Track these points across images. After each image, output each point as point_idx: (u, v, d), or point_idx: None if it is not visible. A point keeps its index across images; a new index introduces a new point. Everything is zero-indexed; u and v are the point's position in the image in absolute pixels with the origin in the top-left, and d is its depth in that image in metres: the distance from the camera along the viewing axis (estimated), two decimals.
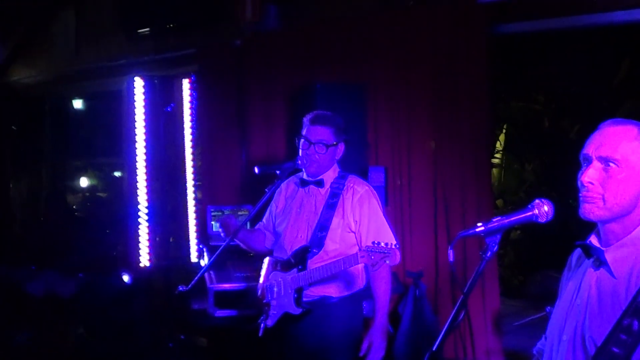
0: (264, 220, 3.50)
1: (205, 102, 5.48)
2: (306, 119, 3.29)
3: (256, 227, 3.55)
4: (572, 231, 8.09)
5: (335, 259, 3.03)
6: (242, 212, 4.72)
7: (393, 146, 5.18)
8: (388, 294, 3.20)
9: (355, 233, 3.18)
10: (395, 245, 2.83)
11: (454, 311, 1.91)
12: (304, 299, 3.16)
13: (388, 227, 3.20)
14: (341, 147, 3.28)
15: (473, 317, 4.86)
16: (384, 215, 3.23)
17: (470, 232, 1.92)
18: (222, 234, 3.40)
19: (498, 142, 8.80)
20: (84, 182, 16.16)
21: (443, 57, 5.04)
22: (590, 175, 1.75)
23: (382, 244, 2.80)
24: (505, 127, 9.00)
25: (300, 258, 3.15)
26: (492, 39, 5.01)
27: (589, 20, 4.89)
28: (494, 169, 8.53)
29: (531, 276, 8.43)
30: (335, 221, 3.16)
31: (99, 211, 13.30)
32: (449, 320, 1.92)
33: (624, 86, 7.98)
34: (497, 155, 8.79)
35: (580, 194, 1.78)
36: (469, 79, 4.98)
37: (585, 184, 1.75)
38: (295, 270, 3.14)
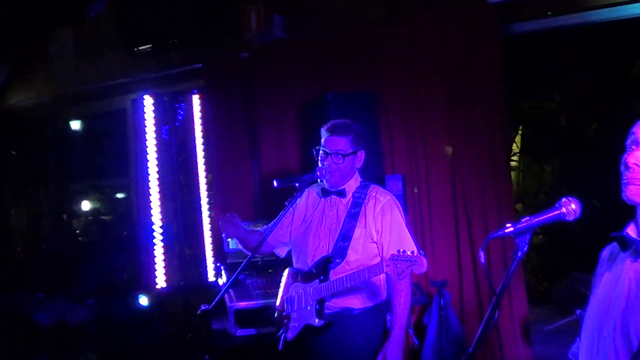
0: (274, 227, 3.43)
1: (213, 118, 5.60)
2: (323, 130, 3.38)
3: (259, 229, 3.66)
4: (594, 233, 8.17)
5: (358, 269, 3.09)
6: (258, 227, 4.81)
7: (409, 153, 5.29)
8: (407, 307, 3.24)
9: (377, 243, 3.26)
10: (421, 253, 2.89)
11: (489, 312, 2.01)
12: (326, 311, 3.22)
13: (410, 237, 3.28)
14: (361, 155, 3.37)
15: (501, 325, 4.93)
16: (406, 224, 3.33)
17: (500, 233, 2.02)
18: (223, 231, 3.55)
19: (514, 144, 8.88)
20: (86, 205, 16.29)
21: (455, 60, 5.16)
22: (636, 157, 1.81)
23: (408, 252, 2.86)
24: (520, 128, 9.07)
25: (322, 269, 3.23)
26: (504, 39, 5.13)
27: (602, 16, 5.00)
28: (511, 172, 8.62)
29: (556, 281, 8.48)
30: (358, 231, 3.23)
31: (104, 235, 13.43)
32: (484, 321, 2.02)
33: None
34: (514, 158, 8.87)
35: (623, 177, 1.84)
36: (483, 80, 5.10)
37: (631, 166, 1.81)
38: (317, 281, 3.21)
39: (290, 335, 3.30)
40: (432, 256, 5.25)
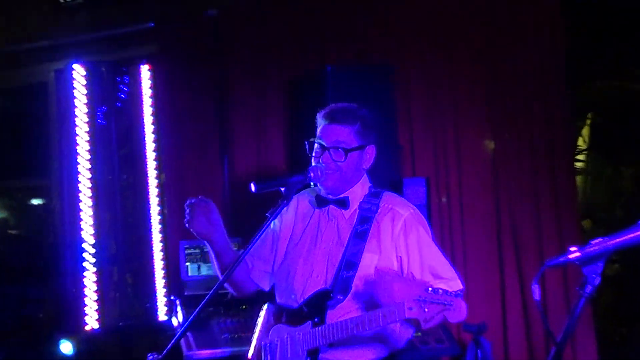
0: (253, 250, 3.35)
1: (168, 97, 5.61)
2: (320, 116, 3.35)
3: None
4: None
5: (368, 312, 3.05)
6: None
7: (436, 150, 5.34)
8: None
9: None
10: (460, 293, 2.87)
11: None
12: None
13: (449, 264, 3.27)
14: (370, 151, 3.33)
15: None
16: (438, 247, 3.31)
17: (562, 259, 2.07)
18: (189, 223, 3.41)
19: (580, 138, 8.87)
20: None
21: (500, 28, 5.23)
22: None
23: (441, 291, 2.81)
24: (589, 116, 9.07)
25: (317, 307, 3.19)
26: (568, 1, 5.19)
27: None
28: (576, 177, 8.63)
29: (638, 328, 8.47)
30: (368, 256, 3.19)
31: (13, 257, 13.36)
32: None
33: None
34: (580, 157, 8.87)
35: None
36: (537, 55, 5.16)
37: None
38: (309, 324, 3.17)
39: None
40: (466, 290, 5.29)
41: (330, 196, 3.33)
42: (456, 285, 3.17)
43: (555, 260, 2.09)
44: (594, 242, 2.06)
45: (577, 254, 2.05)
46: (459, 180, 5.32)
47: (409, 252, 3.21)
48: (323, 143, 3.27)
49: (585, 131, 9.01)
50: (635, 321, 8.42)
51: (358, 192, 3.33)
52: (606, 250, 2.05)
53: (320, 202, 3.37)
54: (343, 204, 3.32)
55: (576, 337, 5.07)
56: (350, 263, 3.21)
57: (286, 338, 3.25)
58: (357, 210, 3.30)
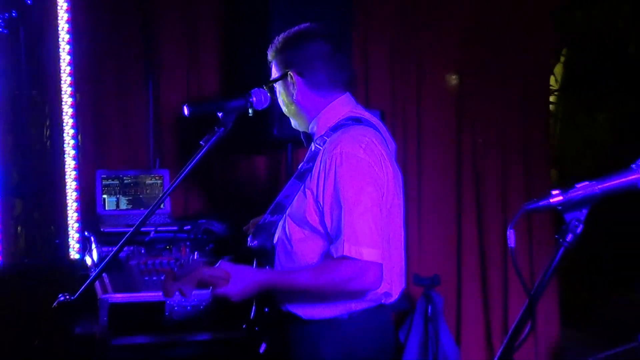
0: None
1: (84, 10, 5.46)
2: None
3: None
4: None
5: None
6: (152, 179, 4.83)
7: (393, 81, 5.36)
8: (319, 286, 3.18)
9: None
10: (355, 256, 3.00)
11: (516, 323, 2.08)
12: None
13: (355, 220, 3.13)
14: (295, 79, 3.35)
15: (521, 350, 5.07)
16: (371, 199, 3.18)
17: (542, 203, 2.08)
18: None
19: (552, 78, 8.83)
20: None
21: None
22: None
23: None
24: (564, 54, 9.07)
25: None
26: None
27: None
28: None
29: (602, 294, 8.62)
30: (295, 200, 3.29)
31: None
32: (508, 337, 2.10)
33: None
34: (551, 99, 8.87)
35: None
36: None
37: None
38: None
39: None
40: (419, 240, 5.35)
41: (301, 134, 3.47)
42: (337, 249, 3.12)
43: (534, 204, 2.09)
44: (579, 185, 2.06)
45: (560, 197, 2.05)
46: (417, 116, 5.35)
47: (324, 196, 3.19)
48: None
49: (558, 70, 8.97)
50: (599, 285, 8.60)
51: (321, 125, 3.37)
52: (592, 194, 2.06)
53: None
54: (309, 140, 3.42)
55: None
56: (279, 206, 3.33)
57: None
58: (314, 147, 3.34)
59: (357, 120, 3.33)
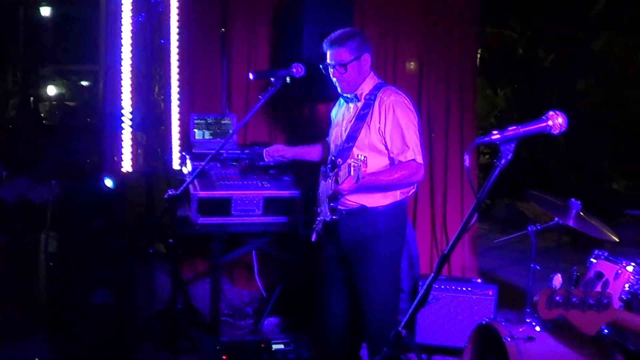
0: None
1: (186, 9, 5.20)
2: (324, 45, 3.38)
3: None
4: (538, 162, 8.26)
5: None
6: (226, 121, 4.66)
7: (378, 65, 5.09)
8: (394, 179, 3.19)
9: (385, 145, 3.26)
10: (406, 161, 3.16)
11: (468, 216, 2.01)
12: (340, 207, 3.32)
13: (410, 140, 3.21)
14: (366, 58, 3.35)
15: (451, 235, 5.01)
16: (415, 125, 3.28)
17: (487, 139, 2.01)
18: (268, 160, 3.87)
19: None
20: (51, 90, 15.72)
21: None
22: None
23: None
24: (479, 52, 8.97)
25: (332, 168, 3.30)
26: None
27: None
28: None
29: (497, 201, 8.66)
30: (363, 132, 3.28)
31: (68, 119, 13.03)
32: (463, 223, 2.03)
33: (601, 18, 7.98)
34: None
35: None
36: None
37: None
38: (331, 180, 3.24)
39: (318, 228, 3.44)
40: None
41: (348, 95, 3.43)
42: (406, 156, 3.20)
43: (481, 138, 2.03)
44: (510, 128, 2.01)
45: (498, 135, 2.01)
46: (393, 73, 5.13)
47: (385, 127, 3.25)
48: (330, 63, 3.37)
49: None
50: (496, 196, 8.57)
51: (365, 88, 3.37)
52: (517, 135, 2.01)
53: (346, 100, 3.47)
54: (356, 98, 3.38)
55: (463, 202, 5.05)
56: (351, 137, 3.28)
57: (323, 189, 3.43)
58: (364, 101, 3.33)
59: (385, 83, 3.43)
